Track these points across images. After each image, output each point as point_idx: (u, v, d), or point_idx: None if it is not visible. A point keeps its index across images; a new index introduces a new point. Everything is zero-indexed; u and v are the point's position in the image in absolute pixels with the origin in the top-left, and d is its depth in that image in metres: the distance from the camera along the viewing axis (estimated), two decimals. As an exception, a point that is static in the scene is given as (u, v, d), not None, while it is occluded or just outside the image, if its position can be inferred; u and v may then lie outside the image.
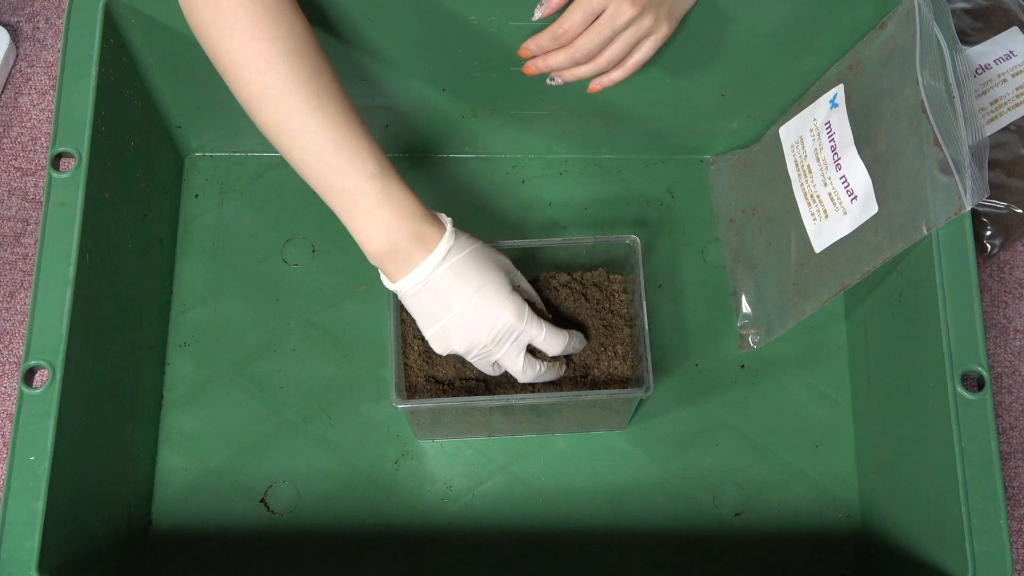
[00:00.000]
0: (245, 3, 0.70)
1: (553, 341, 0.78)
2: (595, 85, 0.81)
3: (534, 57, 0.80)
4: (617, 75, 0.80)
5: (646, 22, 0.76)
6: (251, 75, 0.71)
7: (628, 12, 0.74)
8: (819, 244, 0.85)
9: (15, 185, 1.00)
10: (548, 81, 0.81)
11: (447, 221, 0.75)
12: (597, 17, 0.75)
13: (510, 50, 0.83)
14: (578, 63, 0.78)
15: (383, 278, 0.76)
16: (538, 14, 0.79)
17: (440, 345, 0.77)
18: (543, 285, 0.87)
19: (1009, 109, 1.00)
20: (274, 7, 0.71)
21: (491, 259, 0.76)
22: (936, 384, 0.76)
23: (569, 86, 0.81)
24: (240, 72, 0.71)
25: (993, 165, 0.98)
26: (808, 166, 0.87)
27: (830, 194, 0.84)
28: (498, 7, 0.82)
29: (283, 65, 0.70)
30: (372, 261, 0.75)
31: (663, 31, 0.77)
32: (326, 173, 0.72)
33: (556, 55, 0.79)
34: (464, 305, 0.74)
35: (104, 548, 0.80)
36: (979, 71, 1.01)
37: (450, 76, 0.91)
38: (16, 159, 1.01)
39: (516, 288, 0.78)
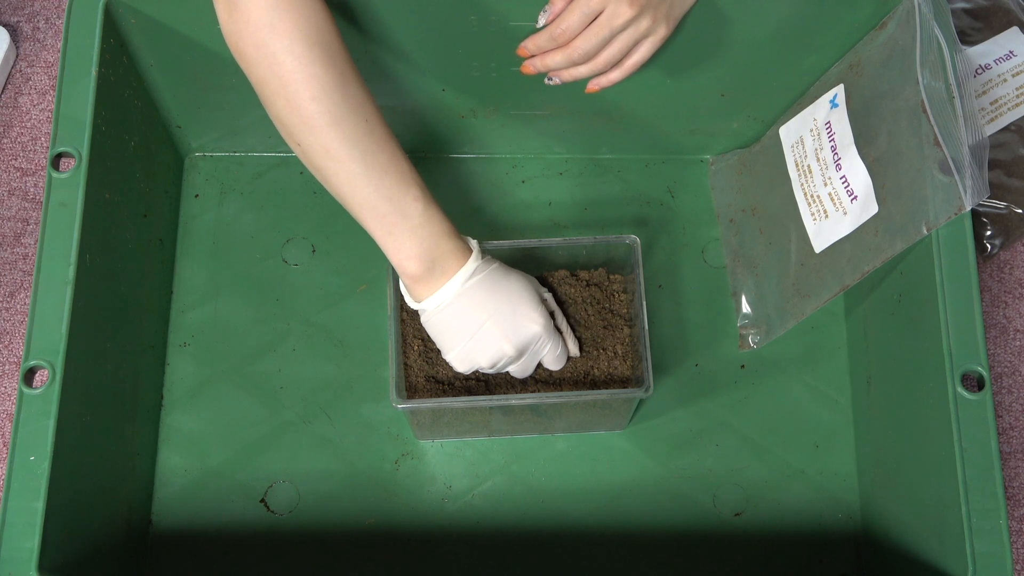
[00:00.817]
0: (301, 26, 0.69)
1: (562, 358, 0.81)
2: (593, 85, 0.81)
3: (532, 57, 0.80)
4: (615, 76, 0.80)
5: (644, 23, 0.76)
6: (303, 101, 0.70)
7: (626, 13, 0.74)
8: (819, 244, 0.85)
9: (15, 185, 1.00)
10: (546, 81, 0.81)
11: (473, 243, 0.77)
12: (595, 18, 0.75)
13: (510, 50, 0.83)
14: (576, 63, 0.78)
15: (408, 299, 0.78)
16: (542, 20, 0.79)
17: (465, 363, 0.78)
18: (543, 285, 0.87)
19: (1009, 109, 1.00)
20: (327, 31, 0.70)
21: (516, 273, 0.79)
22: (936, 384, 0.76)
23: (568, 86, 0.81)
24: (292, 98, 0.70)
25: (993, 165, 0.98)
26: (808, 166, 0.87)
27: (830, 194, 0.84)
28: (498, 7, 0.82)
29: (337, 93, 0.70)
30: (407, 282, 0.76)
31: (661, 32, 0.77)
32: (372, 197, 0.73)
33: (554, 55, 0.79)
34: (494, 317, 0.76)
35: (104, 548, 0.80)
36: (979, 71, 1.01)
37: (450, 76, 0.91)
38: (16, 159, 1.01)
39: (543, 300, 0.81)
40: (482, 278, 0.76)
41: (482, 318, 0.76)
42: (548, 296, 0.82)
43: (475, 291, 0.76)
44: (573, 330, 0.84)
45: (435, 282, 0.76)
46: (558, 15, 0.78)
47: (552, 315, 0.82)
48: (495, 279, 0.77)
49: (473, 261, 0.76)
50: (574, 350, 0.83)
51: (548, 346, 0.79)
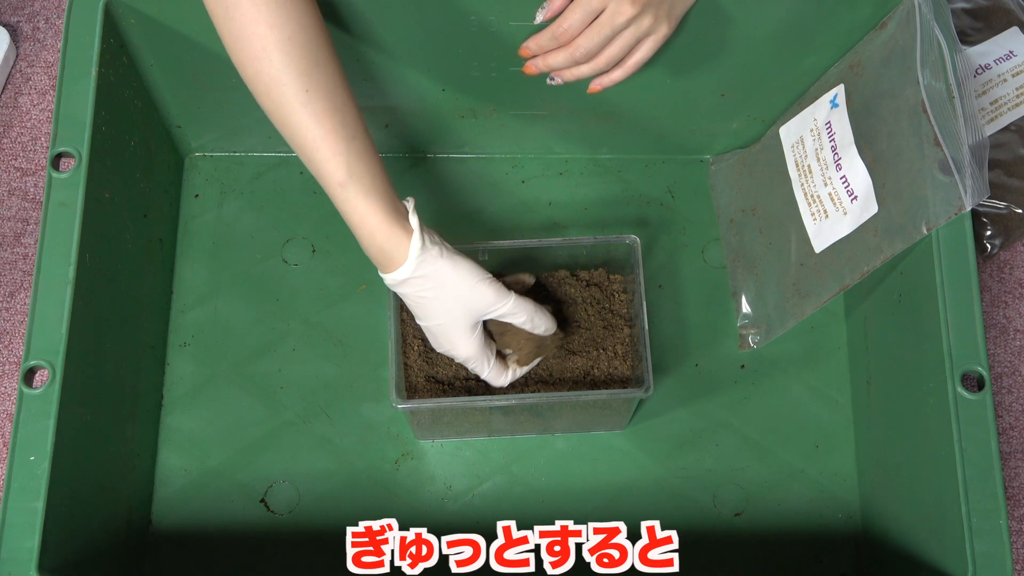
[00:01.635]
0: (283, 23, 0.69)
1: (496, 379, 0.80)
2: (595, 85, 0.81)
3: (534, 56, 0.80)
4: (617, 75, 0.80)
5: (646, 22, 0.76)
6: (247, 59, 0.71)
7: (627, 12, 0.74)
8: (819, 244, 0.85)
9: (15, 185, 1.00)
10: (548, 81, 0.81)
11: (412, 246, 0.73)
12: (597, 17, 0.75)
13: (510, 50, 0.83)
14: (578, 62, 0.78)
15: None
16: (540, 17, 0.79)
17: (429, 339, 0.79)
18: (543, 285, 0.87)
19: (1009, 109, 1.00)
20: (309, 29, 0.70)
21: (448, 294, 0.74)
22: (936, 384, 0.76)
23: (569, 86, 0.81)
24: (238, 55, 0.71)
25: (993, 165, 0.98)
26: (808, 166, 0.87)
27: (830, 194, 0.84)
28: (498, 7, 0.82)
29: (277, 53, 0.70)
30: None
31: (663, 31, 0.77)
32: (311, 171, 0.73)
33: (556, 55, 0.79)
34: (430, 325, 0.77)
35: (104, 548, 0.80)
36: (979, 71, 1.01)
37: (450, 76, 0.91)
38: (16, 159, 1.01)
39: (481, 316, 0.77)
40: (411, 294, 0.75)
41: (424, 321, 0.77)
42: (499, 305, 0.76)
43: (410, 299, 0.76)
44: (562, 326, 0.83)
45: (380, 266, 0.75)
46: (556, 12, 0.78)
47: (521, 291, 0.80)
48: (425, 297, 0.75)
49: (400, 272, 0.73)
50: (551, 324, 0.79)
51: (482, 369, 0.79)
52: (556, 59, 0.79)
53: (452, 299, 0.74)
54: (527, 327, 0.78)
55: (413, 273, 0.73)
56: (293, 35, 0.70)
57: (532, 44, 0.80)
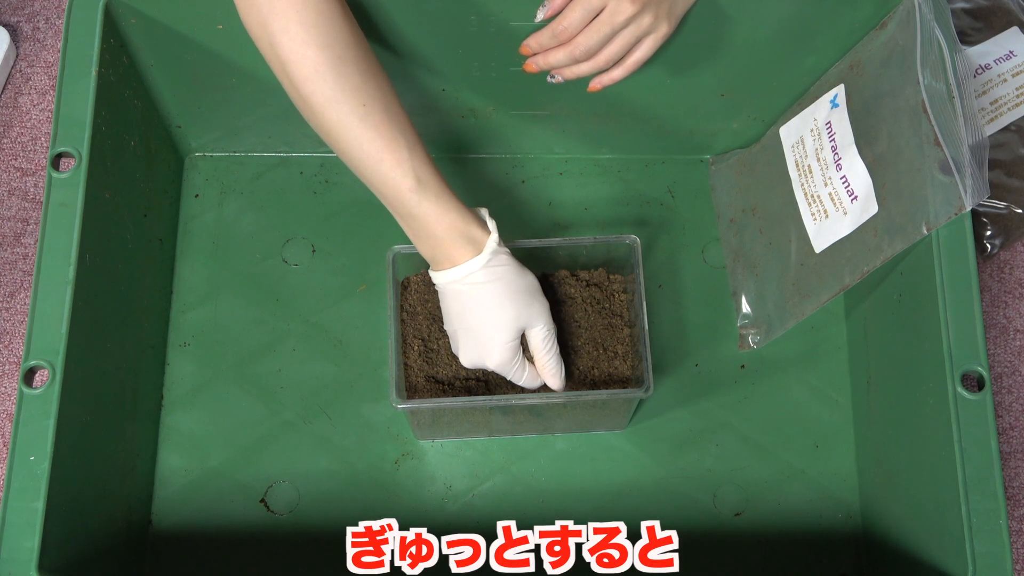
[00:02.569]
0: (297, 6, 0.70)
1: (532, 382, 0.81)
2: (595, 84, 0.81)
3: (534, 54, 0.81)
4: (617, 74, 0.80)
5: (646, 20, 0.76)
6: (299, 81, 0.71)
7: (628, 10, 0.74)
8: (819, 244, 0.85)
9: (15, 185, 1.00)
10: (548, 79, 0.81)
11: (488, 241, 0.75)
12: (597, 15, 0.75)
13: (510, 50, 0.83)
14: (578, 61, 0.78)
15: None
16: (540, 15, 0.79)
17: (452, 345, 0.80)
18: (543, 284, 0.87)
19: (1009, 109, 1.00)
20: (326, 12, 0.71)
21: (507, 296, 0.76)
22: (936, 384, 0.76)
23: (569, 85, 0.81)
24: (289, 78, 0.71)
25: (993, 165, 0.98)
26: (808, 166, 0.87)
27: (830, 194, 0.84)
28: (498, 7, 0.82)
29: (330, 73, 0.70)
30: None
31: (663, 30, 0.77)
32: (373, 181, 0.74)
33: (556, 53, 0.79)
34: (461, 331, 0.78)
35: (104, 548, 0.80)
36: (979, 71, 1.01)
37: (450, 76, 0.91)
38: (16, 159, 1.01)
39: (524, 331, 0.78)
40: (470, 287, 0.75)
41: (454, 326, 0.78)
42: (540, 326, 0.78)
43: (457, 297, 0.76)
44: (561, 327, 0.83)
45: (438, 264, 0.76)
46: (556, 11, 0.78)
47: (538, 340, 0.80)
48: (477, 297, 0.75)
49: (463, 269, 0.75)
50: (553, 381, 0.81)
51: (513, 376, 0.79)
52: (556, 57, 0.79)
53: (508, 303, 0.75)
54: (537, 359, 0.79)
55: (485, 265, 0.74)
56: (343, 54, 0.71)
57: (532, 42, 0.80)
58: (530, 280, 0.77)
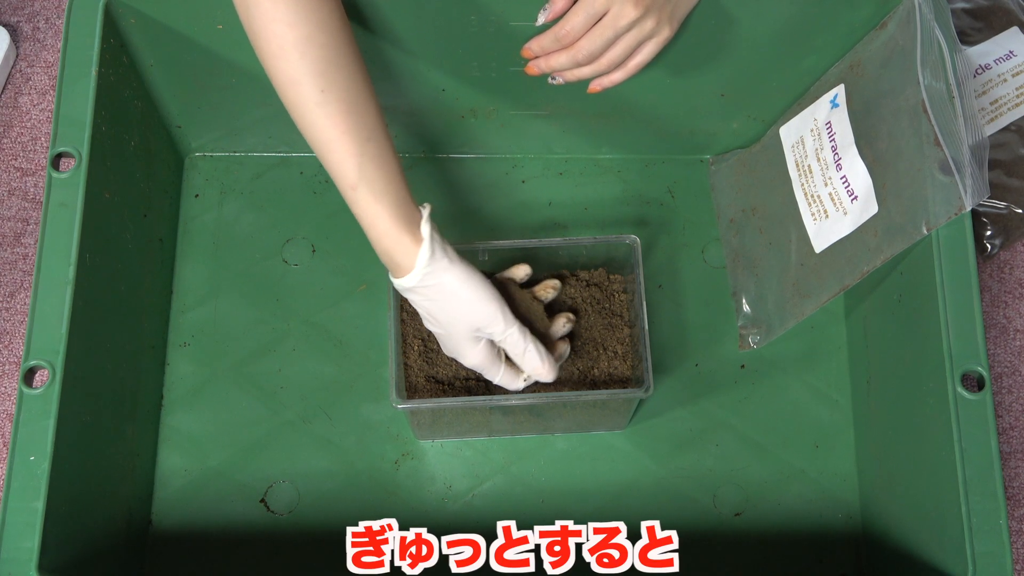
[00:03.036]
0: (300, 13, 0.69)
1: (511, 384, 0.79)
2: (595, 86, 0.81)
3: (536, 58, 0.80)
4: (618, 76, 0.80)
5: (648, 24, 0.76)
6: (266, 56, 0.71)
7: (631, 14, 0.74)
8: (819, 244, 0.85)
9: (15, 185, 1.00)
10: (550, 80, 0.81)
11: (418, 258, 0.72)
12: (599, 19, 0.75)
13: (510, 50, 0.83)
14: (580, 64, 0.78)
15: None
16: (542, 19, 0.79)
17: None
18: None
19: (1009, 109, 1.00)
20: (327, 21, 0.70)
21: (451, 308, 0.74)
22: (936, 384, 0.76)
23: (569, 86, 0.81)
24: (259, 52, 0.71)
25: (993, 165, 0.98)
26: (809, 166, 0.87)
27: (830, 194, 0.84)
28: (498, 7, 0.82)
29: (294, 52, 0.70)
30: None
31: (665, 33, 0.77)
32: (325, 168, 0.73)
33: (558, 56, 0.78)
34: (437, 335, 0.78)
35: (104, 548, 0.80)
36: (979, 71, 1.01)
37: (450, 76, 0.91)
38: (16, 159, 1.01)
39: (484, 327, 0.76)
40: (419, 300, 0.75)
41: (428, 326, 0.77)
42: (497, 330, 0.75)
43: (415, 303, 0.76)
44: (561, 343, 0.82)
45: (391, 270, 0.75)
46: (558, 14, 0.78)
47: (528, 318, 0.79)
48: (432, 305, 0.75)
49: (404, 281, 0.73)
50: (540, 374, 0.78)
51: (489, 377, 0.79)
52: (558, 61, 0.79)
53: (455, 312, 0.74)
54: (516, 360, 0.78)
55: (419, 283, 0.73)
56: (311, 35, 0.70)
57: (534, 45, 0.80)
58: (474, 285, 0.74)
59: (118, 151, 0.84)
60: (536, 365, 0.77)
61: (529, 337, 0.77)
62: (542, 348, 0.77)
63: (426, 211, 0.74)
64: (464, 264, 0.74)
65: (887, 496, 0.86)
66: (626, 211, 1.00)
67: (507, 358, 0.79)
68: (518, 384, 0.80)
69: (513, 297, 0.79)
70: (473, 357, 0.77)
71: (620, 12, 0.74)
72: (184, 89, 0.92)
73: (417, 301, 0.75)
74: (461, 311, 0.74)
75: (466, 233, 0.97)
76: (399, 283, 0.74)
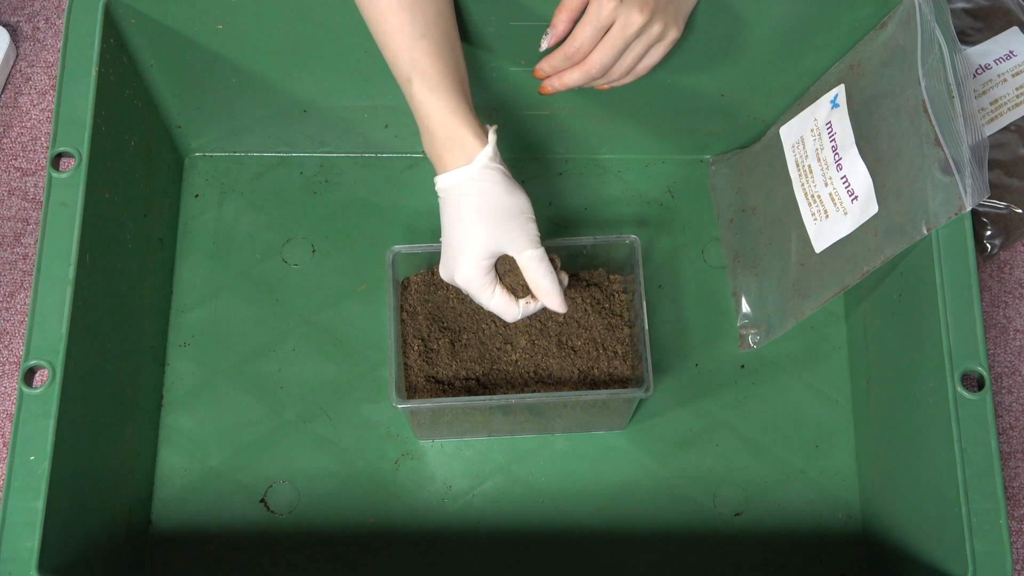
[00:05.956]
0: None
1: (505, 309, 0.77)
2: (602, 83, 0.81)
3: (548, 77, 0.80)
4: (626, 80, 0.80)
5: (655, 29, 0.75)
6: None
7: (638, 21, 0.74)
8: (819, 244, 0.85)
9: (15, 185, 1.00)
10: (550, 90, 0.81)
11: (480, 155, 0.73)
12: (606, 31, 0.75)
13: (510, 50, 0.83)
14: (594, 79, 0.78)
15: None
16: (545, 43, 0.78)
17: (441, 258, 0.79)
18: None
19: (1009, 109, 1.00)
20: None
21: (486, 213, 0.74)
22: (936, 384, 0.76)
23: (569, 86, 0.82)
24: None
25: (993, 165, 0.98)
26: (809, 166, 0.87)
27: (831, 194, 0.84)
28: (498, 7, 0.82)
29: None
30: None
31: (672, 35, 0.77)
32: (387, 61, 0.76)
33: (571, 73, 0.78)
34: (446, 243, 0.76)
35: (104, 548, 0.80)
36: (979, 71, 1.01)
37: (450, 76, 0.90)
38: (16, 159, 1.01)
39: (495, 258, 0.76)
40: (455, 198, 0.74)
41: (442, 236, 0.76)
42: (524, 250, 0.75)
43: (445, 206, 0.75)
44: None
45: (436, 167, 0.75)
46: (560, 37, 0.77)
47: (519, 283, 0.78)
48: (461, 207, 0.74)
49: (451, 177, 0.73)
50: (550, 301, 0.76)
51: (481, 299, 0.76)
52: (572, 77, 0.78)
53: (485, 221, 0.73)
54: (531, 286, 0.76)
55: (471, 177, 0.73)
56: None
57: (546, 66, 0.79)
58: (517, 202, 0.75)
59: (118, 151, 0.84)
60: (552, 287, 0.76)
61: (549, 268, 0.76)
62: (559, 284, 0.77)
63: (492, 127, 0.75)
64: (515, 182, 0.75)
65: (887, 496, 0.86)
66: (626, 211, 1.00)
67: (503, 284, 0.77)
68: (513, 310, 0.77)
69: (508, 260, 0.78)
70: (471, 271, 0.75)
71: (627, 21, 0.74)
72: (184, 89, 0.92)
73: (453, 203, 0.74)
74: (494, 222, 0.74)
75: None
76: (448, 177, 0.73)
